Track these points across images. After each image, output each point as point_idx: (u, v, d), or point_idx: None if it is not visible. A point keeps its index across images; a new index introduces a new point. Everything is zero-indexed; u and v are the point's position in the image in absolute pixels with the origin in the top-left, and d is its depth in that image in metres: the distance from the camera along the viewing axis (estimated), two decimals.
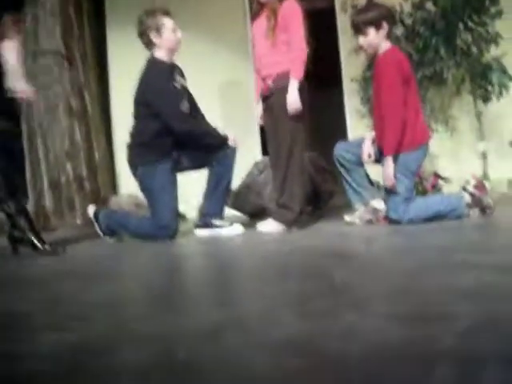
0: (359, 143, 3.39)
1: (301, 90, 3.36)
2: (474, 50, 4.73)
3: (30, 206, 5.01)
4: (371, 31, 3.19)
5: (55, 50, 5.13)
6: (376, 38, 3.21)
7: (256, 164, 4.94)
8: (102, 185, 5.38)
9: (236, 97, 5.70)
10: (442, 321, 0.94)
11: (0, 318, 1.40)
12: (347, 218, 3.44)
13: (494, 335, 0.84)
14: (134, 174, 3.50)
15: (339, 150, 3.43)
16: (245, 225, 3.68)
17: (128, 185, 5.38)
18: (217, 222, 3.58)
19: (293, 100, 3.33)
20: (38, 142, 5.12)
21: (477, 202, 3.13)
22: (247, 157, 4.96)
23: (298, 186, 3.46)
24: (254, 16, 3.63)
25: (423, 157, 3.26)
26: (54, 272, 2.39)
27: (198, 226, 3.64)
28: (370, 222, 3.36)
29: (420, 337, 0.88)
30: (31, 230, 3.02)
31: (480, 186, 3.14)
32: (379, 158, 3.25)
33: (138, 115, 3.46)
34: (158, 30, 3.38)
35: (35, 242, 2.99)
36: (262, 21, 3.47)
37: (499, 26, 4.66)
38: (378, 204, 3.37)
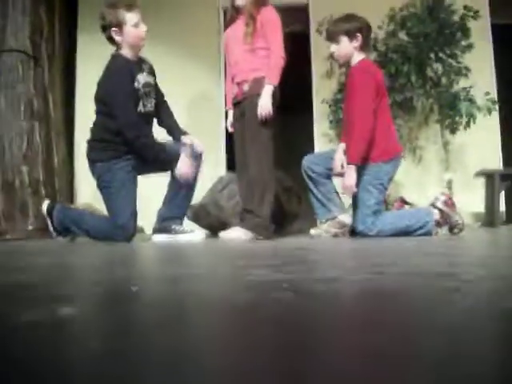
0: (328, 156, 3.34)
1: (273, 96, 3.30)
2: (444, 80, 4.80)
3: None
4: (344, 40, 3.19)
5: (22, 49, 4.95)
6: (348, 48, 3.20)
7: (220, 178, 4.83)
8: (59, 191, 5.14)
9: (204, 111, 5.62)
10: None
11: None
12: (313, 231, 3.35)
13: None
14: (92, 170, 3.33)
15: (308, 161, 3.37)
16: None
17: (86, 193, 5.22)
18: (177, 227, 3.42)
19: (265, 104, 3.26)
20: None
21: (446, 219, 3.09)
22: (212, 172, 4.87)
23: (268, 193, 3.36)
24: (229, 22, 3.59)
25: (395, 170, 3.22)
26: None
27: (156, 230, 3.46)
28: (336, 235, 3.27)
29: None
30: None
31: (449, 202, 3.09)
32: None
33: (97, 111, 3.32)
34: (119, 25, 3.19)
35: None
36: (238, 26, 3.44)
37: (469, 58, 4.76)
38: (346, 218, 3.30)
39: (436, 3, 4.74)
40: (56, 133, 5.19)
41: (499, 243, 2.50)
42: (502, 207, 5.00)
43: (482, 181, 4.97)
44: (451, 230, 3.13)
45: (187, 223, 3.70)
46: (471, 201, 5.00)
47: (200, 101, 5.63)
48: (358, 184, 3.13)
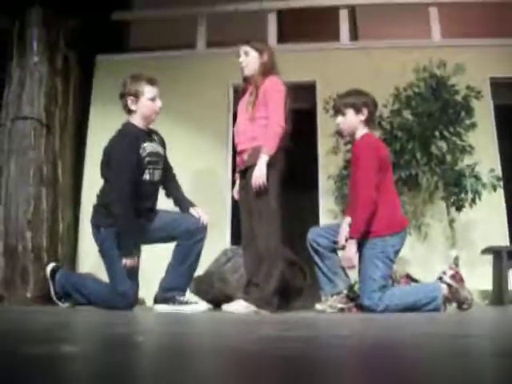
0: (333, 229, 3.31)
1: (274, 166, 3.22)
2: (449, 158, 4.86)
3: None
4: (350, 112, 3.25)
5: (36, 117, 5.09)
6: (354, 120, 3.26)
7: (225, 251, 4.78)
8: (62, 258, 5.11)
9: (210, 184, 5.67)
10: None
11: None
12: (318, 306, 3.27)
13: None
14: (96, 236, 3.31)
15: (313, 234, 3.33)
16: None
17: (89, 261, 5.17)
18: (180, 297, 3.34)
19: (259, 174, 3.15)
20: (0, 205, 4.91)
21: (454, 294, 3.02)
22: (216, 245, 4.83)
23: (275, 268, 3.23)
24: (241, 94, 3.59)
25: (401, 243, 3.18)
26: None
27: (157, 300, 3.37)
28: (342, 310, 3.19)
29: None
30: None
31: (457, 277, 3.03)
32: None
33: (103, 176, 3.36)
34: (137, 95, 3.33)
35: None
36: (246, 96, 3.46)
37: (472, 136, 4.84)
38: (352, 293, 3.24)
39: (440, 83, 4.88)
40: (63, 199, 5.23)
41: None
42: (511, 285, 4.90)
43: (488, 258, 4.91)
44: (460, 306, 3.05)
45: (190, 295, 3.62)
46: (478, 279, 4.91)
47: (206, 174, 5.70)
48: (363, 257, 3.09)
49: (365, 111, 3.25)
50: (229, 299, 3.78)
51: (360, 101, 3.27)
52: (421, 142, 4.81)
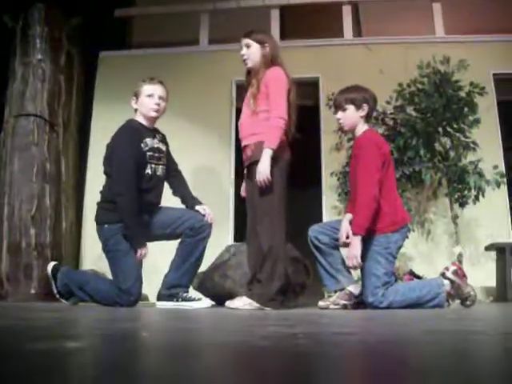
0: (334, 226, 3.28)
1: (278, 160, 3.15)
2: (452, 154, 4.85)
3: None
4: (350, 108, 3.23)
5: (39, 114, 5.10)
6: (354, 116, 3.23)
7: (228, 247, 4.78)
8: (65, 255, 5.12)
9: (213, 181, 5.66)
10: None
11: None
12: (321, 303, 3.26)
13: None
14: (99, 233, 3.31)
15: (314, 231, 3.31)
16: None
17: (92, 258, 5.18)
18: (183, 294, 3.34)
19: (262, 169, 3.05)
20: (4, 202, 4.91)
21: (456, 290, 3.01)
22: (220, 242, 4.83)
23: (279, 264, 3.18)
24: (247, 87, 3.47)
25: (403, 239, 3.17)
26: None
27: (161, 296, 3.37)
28: (344, 307, 3.18)
29: None
30: None
31: (460, 273, 3.02)
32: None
33: (106, 172, 3.37)
34: (137, 95, 3.43)
35: None
36: (249, 89, 3.37)
37: (476, 132, 4.82)
38: (354, 289, 3.22)
39: (443, 79, 4.86)
40: (66, 197, 5.24)
41: None
42: None
43: (492, 255, 4.90)
44: (463, 302, 3.04)
45: (192, 292, 3.62)
46: (482, 275, 4.91)
47: (209, 171, 5.70)
48: (366, 254, 3.08)
49: (365, 107, 3.23)
50: (232, 296, 3.77)
51: (360, 96, 3.24)
52: (424, 139, 4.80)
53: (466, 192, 4.74)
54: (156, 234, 3.38)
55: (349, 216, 3.21)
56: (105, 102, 5.82)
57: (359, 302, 3.17)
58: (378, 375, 0.54)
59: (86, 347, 0.70)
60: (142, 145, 3.32)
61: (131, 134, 3.31)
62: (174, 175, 3.61)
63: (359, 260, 3.02)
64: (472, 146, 4.79)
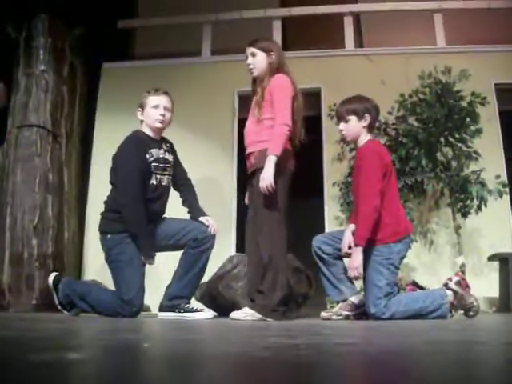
0: (338, 236, 3.28)
1: (281, 168, 3.10)
2: (454, 164, 4.85)
3: None
4: (353, 118, 3.24)
5: (42, 124, 5.12)
6: (356, 127, 3.24)
7: (230, 258, 4.77)
8: (68, 266, 5.11)
9: (215, 192, 5.66)
10: None
11: None
12: (323, 313, 3.25)
13: None
14: (102, 242, 3.32)
15: (317, 242, 3.31)
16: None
17: (94, 268, 5.17)
18: (186, 305, 3.33)
19: (266, 176, 3.01)
20: (6, 212, 4.92)
21: (459, 300, 3.00)
22: (222, 252, 4.81)
23: (281, 275, 3.15)
24: (252, 96, 3.43)
25: (406, 250, 3.16)
26: None
27: (163, 307, 3.37)
28: (347, 318, 3.17)
29: None
30: None
31: (463, 283, 3.01)
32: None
33: (112, 182, 3.38)
34: (142, 106, 3.46)
35: None
36: (254, 98, 3.35)
37: (478, 142, 4.83)
38: (357, 299, 3.22)
39: (445, 89, 4.87)
40: (68, 207, 5.24)
41: None
42: None
43: (495, 265, 4.89)
44: (466, 312, 3.03)
45: (195, 303, 3.61)
46: (485, 285, 4.88)
47: (212, 181, 5.69)
48: (368, 265, 3.07)
49: (367, 117, 3.24)
50: (234, 307, 3.75)
51: (362, 107, 3.25)
52: (426, 149, 4.80)
53: (468, 202, 4.73)
54: (159, 244, 3.38)
55: (352, 227, 3.21)
56: (107, 112, 5.84)
57: (362, 313, 3.16)
58: None
59: (88, 358, 0.70)
60: (148, 155, 3.34)
61: (136, 145, 3.33)
62: (182, 184, 3.62)
63: (360, 271, 3.02)
64: (474, 155, 4.79)
